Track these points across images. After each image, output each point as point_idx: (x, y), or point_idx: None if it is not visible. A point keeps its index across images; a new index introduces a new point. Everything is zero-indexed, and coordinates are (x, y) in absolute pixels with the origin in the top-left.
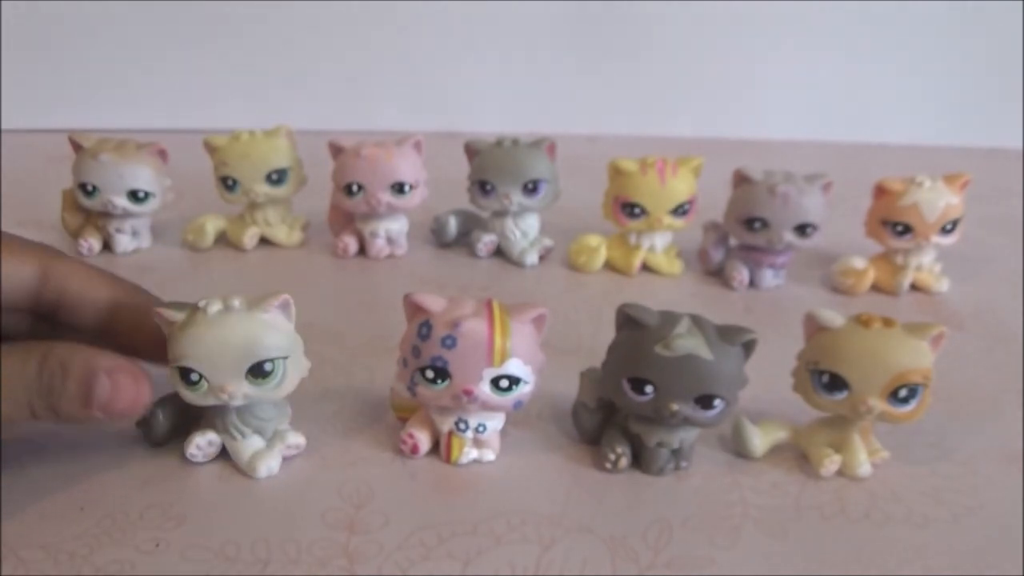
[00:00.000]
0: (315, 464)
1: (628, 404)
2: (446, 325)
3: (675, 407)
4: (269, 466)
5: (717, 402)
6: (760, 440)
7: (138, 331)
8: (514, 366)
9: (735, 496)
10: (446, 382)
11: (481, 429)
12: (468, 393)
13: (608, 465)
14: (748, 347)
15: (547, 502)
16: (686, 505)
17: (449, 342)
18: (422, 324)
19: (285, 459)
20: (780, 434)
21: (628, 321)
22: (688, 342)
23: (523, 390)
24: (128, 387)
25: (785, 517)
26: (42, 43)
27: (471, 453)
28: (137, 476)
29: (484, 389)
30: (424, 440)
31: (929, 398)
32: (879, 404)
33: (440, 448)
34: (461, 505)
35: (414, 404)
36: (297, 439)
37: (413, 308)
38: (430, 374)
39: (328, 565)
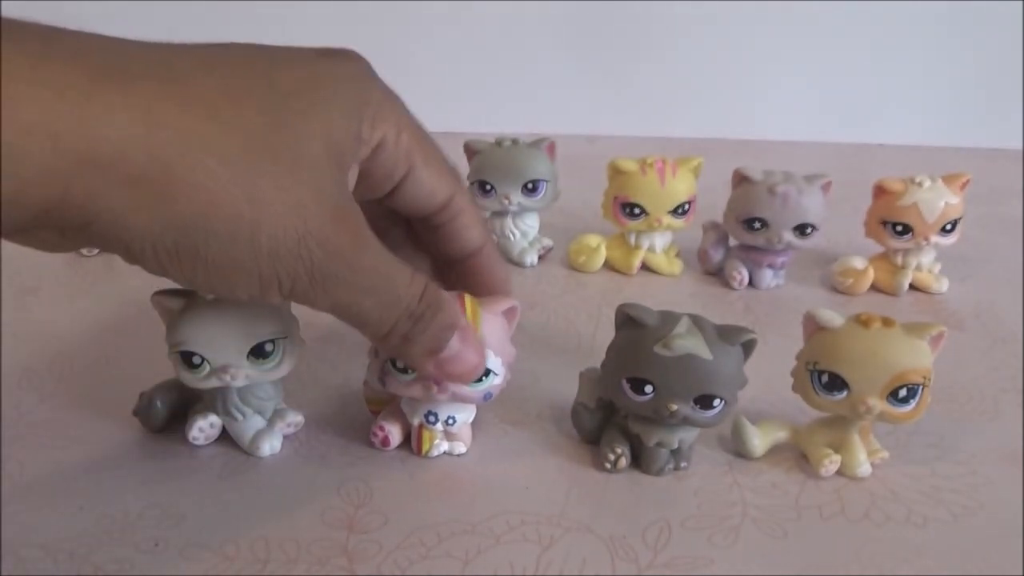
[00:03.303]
0: (315, 464)
1: (628, 404)
2: None
3: (674, 407)
4: (272, 444)
5: (716, 402)
6: (760, 440)
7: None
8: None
9: (735, 496)
10: (415, 372)
11: (451, 422)
12: (437, 383)
13: (608, 465)
14: (748, 347)
15: (547, 502)
16: (686, 505)
17: None
18: None
19: (285, 438)
20: (780, 434)
21: (628, 321)
22: (687, 342)
23: (493, 382)
24: (470, 357)
25: (785, 517)
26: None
27: (442, 446)
28: (136, 475)
29: None
30: (395, 433)
31: (929, 398)
32: (879, 404)
33: (411, 441)
34: (460, 505)
35: (386, 397)
36: (296, 417)
37: None
38: (400, 364)
39: (327, 564)
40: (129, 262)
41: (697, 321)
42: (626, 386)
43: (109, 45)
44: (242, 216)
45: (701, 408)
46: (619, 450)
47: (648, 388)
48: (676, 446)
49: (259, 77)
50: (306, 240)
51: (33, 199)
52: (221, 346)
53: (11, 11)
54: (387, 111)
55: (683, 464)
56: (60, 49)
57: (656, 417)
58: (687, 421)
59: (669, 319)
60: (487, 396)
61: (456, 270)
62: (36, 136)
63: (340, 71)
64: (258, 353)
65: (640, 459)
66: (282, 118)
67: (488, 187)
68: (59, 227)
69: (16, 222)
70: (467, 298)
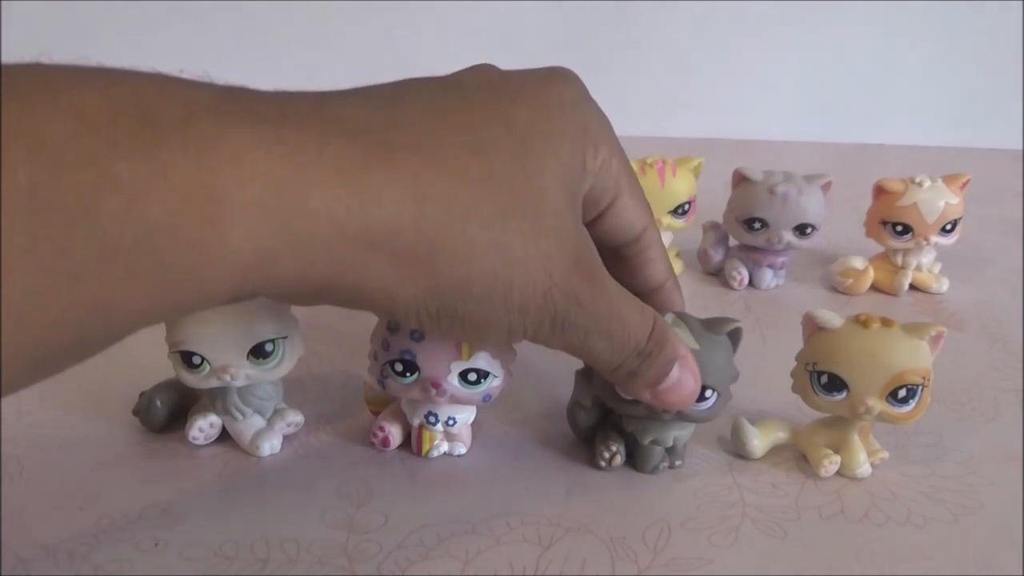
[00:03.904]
0: (315, 463)
1: (621, 402)
2: None
3: None
4: (272, 444)
5: (709, 393)
6: (759, 441)
7: None
8: (482, 359)
9: (734, 496)
10: (414, 375)
11: (451, 422)
12: (436, 386)
13: (602, 463)
14: (734, 336)
15: (547, 502)
16: (685, 505)
17: (417, 335)
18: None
19: (285, 438)
20: (779, 435)
21: None
22: None
23: (492, 384)
24: (688, 384)
25: (784, 517)
26: (43, 43)
27: (442, 446)
28: (136, 475)
29: (452, 382)
30: (395, 433)
31: (928, 398)
32: (878, 404)
33: (411, 441)
34: (460, 505)
35: (386, 398)
36: (296, 416)
37: None
38: (399, 367)
39: (327, 564)
40: (384, 318)
41: (682, 316)
42: None
43: (361, 111)
44: (498, 278)
45: (695, 401)
46: (614, 448)
47: None
48: (671, 444)
49: (498, 122)
50: (551, 292)
51: (314, 280)
52: (221, 346)
53: (11, 11)
54: (603, 136)
55: (677, 462)
56: (331, 127)
57: (650, 414)
58: (681, 416)
59: None
60: (487, 397)
61: None
62: (321, 222)
63: (564, 97)
64: (258, 353)
65: (635, 457)
66: (525, 167)
67: None
68: (327, 297)
69: (292, 294)
70: None
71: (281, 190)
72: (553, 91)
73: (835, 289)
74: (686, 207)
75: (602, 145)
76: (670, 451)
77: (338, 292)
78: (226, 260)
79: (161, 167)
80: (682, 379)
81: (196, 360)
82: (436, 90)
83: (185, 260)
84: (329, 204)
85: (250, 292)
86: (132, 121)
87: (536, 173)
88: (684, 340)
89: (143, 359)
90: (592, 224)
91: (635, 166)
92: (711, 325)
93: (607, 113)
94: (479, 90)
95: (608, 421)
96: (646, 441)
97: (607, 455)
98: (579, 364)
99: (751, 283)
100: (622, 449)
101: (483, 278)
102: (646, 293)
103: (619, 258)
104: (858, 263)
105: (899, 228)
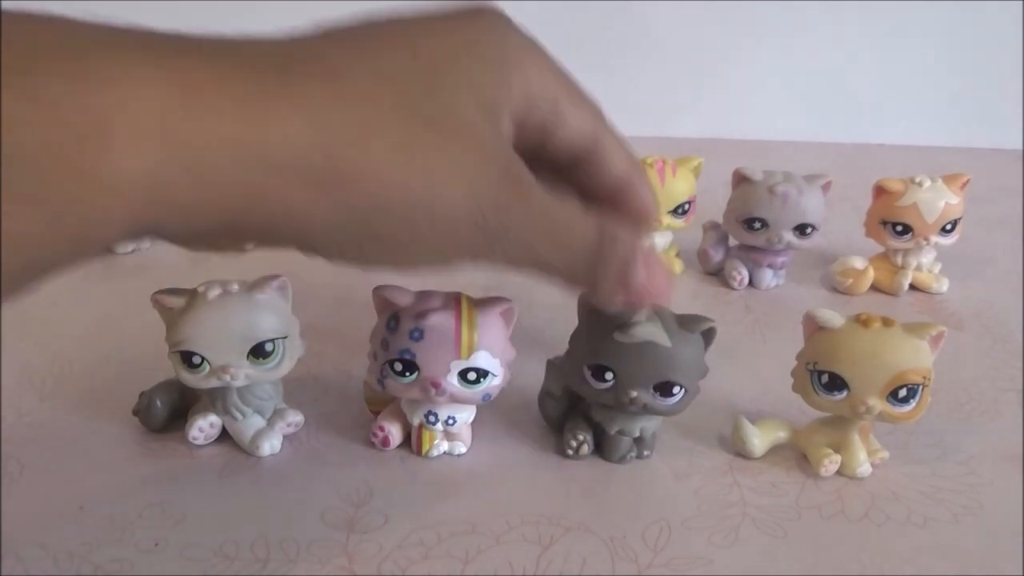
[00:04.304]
0: (314, 463)
1: (589, 392)
2: (413, 318)
3: (634, 394)
4: (272, 444)
5: (676, 389)
6: (760, 440)
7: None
8: (482, 359)
9: (735, 496)
10: (414, 375)
11: (451, 422)
12: (436, 385)
13: (569, 451)
14: (707, 335)
15: (547, 502)
16: (686, 505)
17: (416, 335)
18: (391, 317)
19: (285, 437)
20: (780, 434)
21: (590, 311)
22: (646, 329)
23: (491, 383)
24: (659, 276)
25: (785, 517)
26: None
27: (442, 446)
28: (136, 476)
29: (452, 382)
30: (395, 433)
31: (929, 398)
32: (878, 404)
33: (411, 441)
34: (460, 505)
35: (386, 397)
36: (295, 416)
37: (382, 302)
38: (398, 367)
39: (327, 564)
40: (307, 254)
41: (657, 310)
42: (587, 373)
43: (261, 45)
44: (418, 195)
45: (661, 395)
46: (581, 436)
47: (608, 375)
48: (638, 434)
49: (404, 50)
50: (479, 206)
51: (220, 208)
52: (221, 346)
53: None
54: (529, 57)
55: (646, 452)
56: (227, 56)
57: (617, 405)
58: (647, 409)
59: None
60: (486, 397)
61: (604, 207)
62: (224, 146)
63: (479, 24)
64: (258, 353)
65: (602, 447)
66: (434, 86)
67: None
68: (241, 231)
69: (202, 229)
70: (463, 300)
71: (171, 113)
72: (466, 22)
73: (835, 289)
74: (686, 207)
75: (528, 65)
76: (638, 441)
77: (250, 224)
78: (116, 187)
79: (43, 93)
80: (651, 276)
81: (196, 360)
82: (342, 27)
83: (71, 187)
84: (225, 127)
85: (152, 225)
86: (14, 54)
87: (446, 94)
88: (656, 335)
89: (143, 359)
90: (544, 144)
91: None
92: (685, 322)
93: (610, 113)
94: (387, 24)
95: (578, 410)
96: (613, 431)
97: (574, 444)
98: (551, 354)
99: (751, 283)
100: (590, 438)
101: (401, 198)
102: (613, 191)
103: (580, 166)
104: (858, 263)
105: (899, 228)
